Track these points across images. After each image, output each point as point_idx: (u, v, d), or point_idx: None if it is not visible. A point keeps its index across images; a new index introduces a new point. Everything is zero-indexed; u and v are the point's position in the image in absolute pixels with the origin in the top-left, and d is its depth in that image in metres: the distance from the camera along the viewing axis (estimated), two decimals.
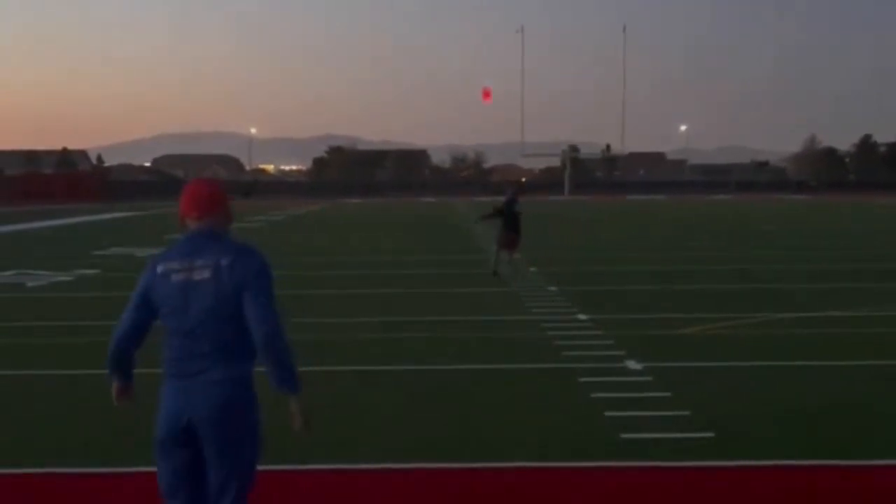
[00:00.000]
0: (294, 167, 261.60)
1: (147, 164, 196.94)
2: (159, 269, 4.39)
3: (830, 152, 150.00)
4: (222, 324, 4.29)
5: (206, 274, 4.30)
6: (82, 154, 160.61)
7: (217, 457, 4.33)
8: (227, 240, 4.44)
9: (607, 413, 8.45)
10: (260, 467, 7.11)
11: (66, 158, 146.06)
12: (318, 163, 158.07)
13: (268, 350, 4.24)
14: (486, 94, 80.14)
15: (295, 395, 4.34)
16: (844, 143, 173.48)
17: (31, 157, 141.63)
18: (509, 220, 20.07)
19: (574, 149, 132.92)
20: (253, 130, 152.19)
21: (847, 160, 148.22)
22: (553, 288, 17.62)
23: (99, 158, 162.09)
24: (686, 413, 8.42)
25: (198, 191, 4.54)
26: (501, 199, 21.47)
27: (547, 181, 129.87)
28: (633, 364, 10.53)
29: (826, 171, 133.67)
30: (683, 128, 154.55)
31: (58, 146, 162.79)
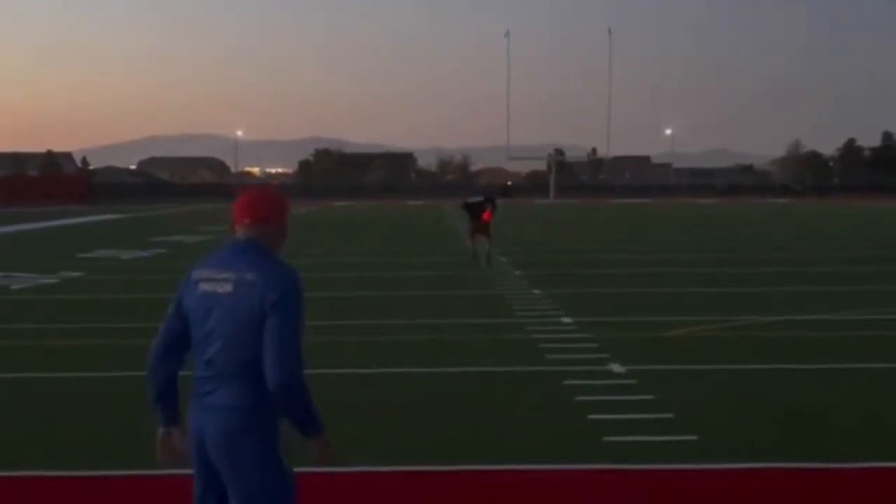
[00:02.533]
0: (280, 170, 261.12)
1: (132, 167, 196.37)
2: (194, 274, 4.09)
3: (815, 156, 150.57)
4: (237, 345, 3.93)
5: (227, 288, 3.95)
6: (67, 156, 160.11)
7: (227, 486, 4.05)
8: (266, 256, 4.05)
9: (591, 416, 8.49)
10: None
11: (51, 161, 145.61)
12: (305, 165, 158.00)
13: (279, 402, 3.89)
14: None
15: (313, 439, 4.02)
16: (829, 147, 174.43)
17: (15, 159, 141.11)
18: (473, 215, 23.43)
19: (560, 152, 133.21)
20: (239, 133, 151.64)
21: (831, 164, 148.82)
22: (538, 291, 17.66)
23: (84, 161, 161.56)
24: (669, 416, 8.47)
25: (254, 197, 4.14)
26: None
27: (532, 184, 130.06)
28: (617, 367, 10.58)
29: (810, 174, 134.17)
30: (669, 131, 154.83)
31: (42, 149, 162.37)
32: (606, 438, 7.78)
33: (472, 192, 26.95)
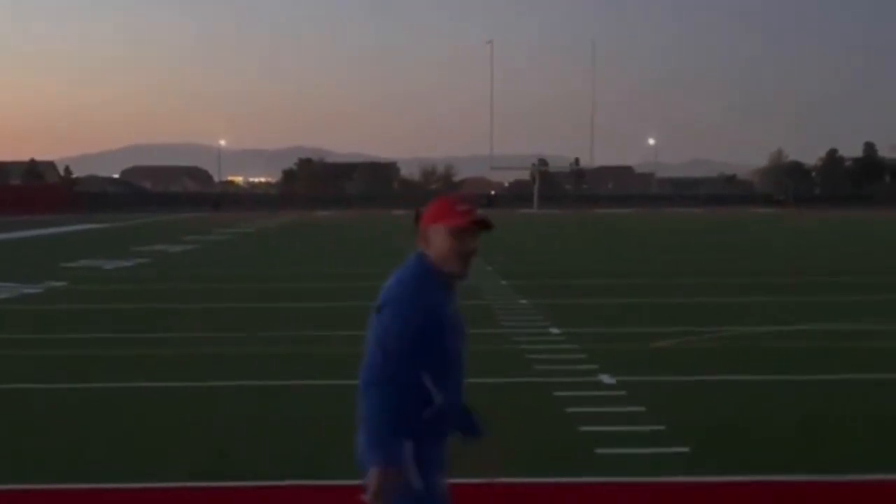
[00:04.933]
0: (263, 179, 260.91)
1: (115, 176, 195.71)
2: None
3: (797, 166, 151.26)
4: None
5: None
6: (50, 165, 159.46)
7: None
8: (408, 265, 3.97)
9: (582, 428, 8.43)
10: (257, 483, 7.06)
11: (34, 169, 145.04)
12: (288, 175, 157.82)
13: (359, 401, 3.76)
14: None
15: (370, 467, 3.67)
16: (811, 157, 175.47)
17: None
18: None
19: (543, 162, 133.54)
20: (222, 142, 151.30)
21: (813, 174, 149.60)
22: (524, 301, 17.60)
23: (67, 170, 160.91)
24: (661, 428, 8.42)
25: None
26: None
27: (514, 194, 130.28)
28: (606, 378, 10.52)
29: (793, 184, 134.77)
30: (652, 141, 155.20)
31: (25, 157, 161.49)
32: (599, 450, 7.71)
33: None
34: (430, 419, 3.83)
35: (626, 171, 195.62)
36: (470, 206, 3.92)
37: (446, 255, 3.88)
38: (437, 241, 3.90)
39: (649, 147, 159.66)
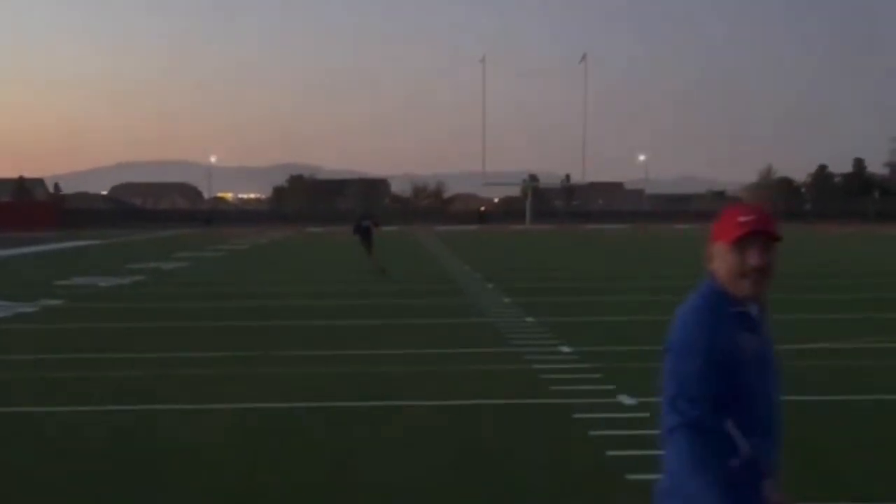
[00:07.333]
0: (253, 195, 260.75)
1: (104, 193, 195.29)
2: None
3: (786, 182, 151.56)
4: None
5: None
6: (39, 182, 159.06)
7: None
8: (696, 292, 3.48)
9: (609, 452, 8.18)
10: None
11: (23, 186, 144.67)
12: (279, 191, 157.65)
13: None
14: None
15: None
16: (800, 173, 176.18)
17: None
18: (362, 233, 29.92)
19: (534, 178, 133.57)
20: (213, 159, 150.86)
21: (803, 190, 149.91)
22: (530, 319, 17.35)
23: (56, 187, 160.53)
24: None
25: None
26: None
27: (505, 210, 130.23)
28: (626, 399, 10.27)
29: (783, 200, 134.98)
30: (642, 157, 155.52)
31: (14, 174, 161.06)
32: (630, 476, 7.46)
33: (360, 217, 31.48)
34: (738, 471, 3.29)
35: (616, 187, 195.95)
36: (754, 214, 3.38)
37: (729, 275, 3.37)
38: (718, 261, 3.41)
39: (639, 164, 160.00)
